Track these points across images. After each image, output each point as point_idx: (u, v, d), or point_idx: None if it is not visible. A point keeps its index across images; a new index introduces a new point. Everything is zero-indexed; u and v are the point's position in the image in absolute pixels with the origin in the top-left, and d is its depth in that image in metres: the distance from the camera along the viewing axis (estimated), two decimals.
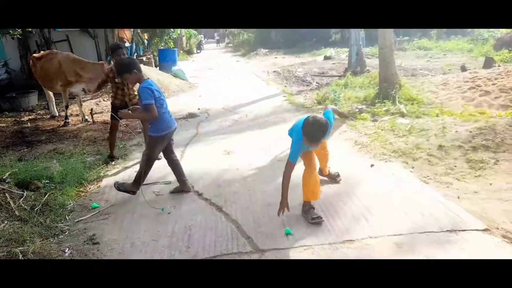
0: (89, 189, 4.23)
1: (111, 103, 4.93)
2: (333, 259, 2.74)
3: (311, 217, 3.22)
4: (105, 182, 4.36)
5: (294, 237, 3.03)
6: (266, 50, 20.63)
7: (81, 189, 4.21)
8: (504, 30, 14.82)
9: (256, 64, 16.35)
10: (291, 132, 3.31)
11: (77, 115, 7.76)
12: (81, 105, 7.45)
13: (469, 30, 16.80)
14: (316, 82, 10.28)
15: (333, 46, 18.71)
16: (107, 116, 7.72)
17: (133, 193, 3.78)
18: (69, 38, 11.37)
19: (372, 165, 4.29)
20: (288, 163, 3.13)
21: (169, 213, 3.56)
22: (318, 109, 7.16)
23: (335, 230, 3.09)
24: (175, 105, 8.54)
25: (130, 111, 3.77)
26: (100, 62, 7.29)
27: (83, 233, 3.31)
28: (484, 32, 15.73)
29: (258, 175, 4.32)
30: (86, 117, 7.34)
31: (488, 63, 9.51)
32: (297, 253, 2.83)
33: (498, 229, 3.00)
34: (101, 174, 4.58)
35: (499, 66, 9.23)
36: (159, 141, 3.64)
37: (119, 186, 3.79)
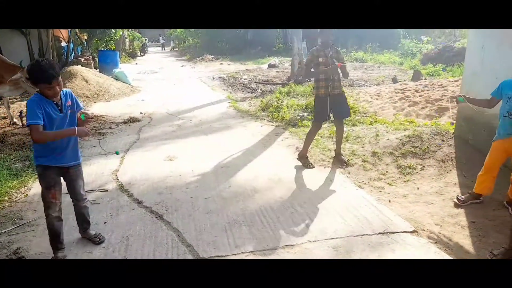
0: (15, 198, 3.89)
1: (316, 95, 4.52)
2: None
3: None
4: (34, 190, 4.04)
5: (235, 243, 3.03)
6: (212, 56, 20.58)
7: (5, 198, 3.87)
8: (430, 47, 16.20)
9: (202, 70, 16.24)
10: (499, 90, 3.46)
11: (4, 117, 7.14)
12: (9, 107, 6.85)
13: (399, 45, 18.16)
14: (261, 89, 10.45)
15: (276, 55, 19.17)
16: None
17: None
18: None
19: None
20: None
21: (105, 222, 3.38)
22: (262, 116, 7.28)
23: (276, 236, 3.14)
24: (116, 109, 8.21)
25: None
26: (20, 67, 6.42)
27: (6, 246, 3.03)
28: (413, 47, 17.09)
29: (201, 181, 4.27)
30: (15, 119, 6.78)
31: (416, 76, 10.34)
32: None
33: (424, 230, 3.25)
34: (30, 182, 4.24)
35: (425, 79, 10.07)
36: None
37: None
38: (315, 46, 4.57)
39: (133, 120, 7.13)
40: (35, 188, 4.09)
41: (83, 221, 3.11)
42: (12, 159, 4.93)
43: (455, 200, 3.72)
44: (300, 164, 4.72)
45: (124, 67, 14.22)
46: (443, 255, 2.89)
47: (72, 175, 2.92)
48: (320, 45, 4.50)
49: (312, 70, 4.53)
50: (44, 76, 2.55)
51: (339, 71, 4.47)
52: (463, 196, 3.72)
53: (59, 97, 2.71)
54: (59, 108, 2.71)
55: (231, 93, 10.19)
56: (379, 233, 3.16)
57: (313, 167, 4.63)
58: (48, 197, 2.78)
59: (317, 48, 4.46)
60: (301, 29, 11.31)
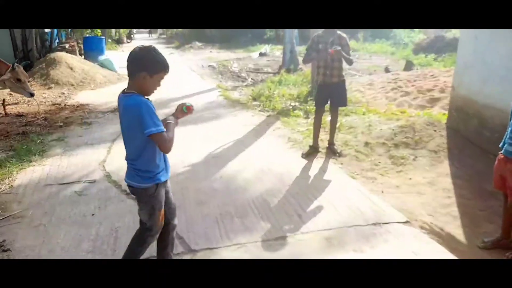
0: None
1: (317, 82, 4.68)
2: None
3: None
4: (19, 181, 3.91)
5: (227, 235, 2.98)
6: (201, 44, 20.30)
7: None
8: (421, 36, 16.19)
9: (191, 58, 16.00)
10: None
11: None
12: None
13: (391, 34, 18.12)
14: (251, 78, 10.34)
15: (267, 43, 18.97)
16: (22, 108, 6.99)
17: None
18: None
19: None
20: None
21: (93, 214, 3.29)
22: (253, 106, 7.18)
23: (268, 227, 3.09)
24: (102, 97, 8.02)
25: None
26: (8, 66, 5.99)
27: None
28: (405, 37, 17.09)
29: (192, 172, 4.19)
30: None
31: (408, 66, 10.35)
32: (230, 252, 2.78)
33: (416, 220, 3.24)
34: (14, 172, 4.11)
35: (417, 69, 10.08)
36: None
37: None
38: (317, 32, 4.53)
39: None
40: (19, 179, 3.97)
41: (171, 245, 2.47)
42: None
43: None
44: (294, 153, 4.66)
45: (110, 54, 13.92)
46: (435, 245, 2.88)
47: (168, 187, 2.37)
48: (323, 32, 4.42)
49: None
50: (165, 63, 2.04)
51: (343, 59, 4.36)
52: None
53: None
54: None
55: (221, 81, 10.06)
56: (372, 223, 3.14)
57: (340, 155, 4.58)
58: (159, 220, 2.24)
59: (318, 35, 4.42)
60: None
